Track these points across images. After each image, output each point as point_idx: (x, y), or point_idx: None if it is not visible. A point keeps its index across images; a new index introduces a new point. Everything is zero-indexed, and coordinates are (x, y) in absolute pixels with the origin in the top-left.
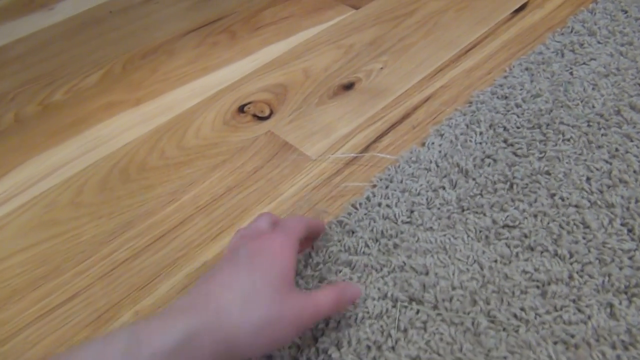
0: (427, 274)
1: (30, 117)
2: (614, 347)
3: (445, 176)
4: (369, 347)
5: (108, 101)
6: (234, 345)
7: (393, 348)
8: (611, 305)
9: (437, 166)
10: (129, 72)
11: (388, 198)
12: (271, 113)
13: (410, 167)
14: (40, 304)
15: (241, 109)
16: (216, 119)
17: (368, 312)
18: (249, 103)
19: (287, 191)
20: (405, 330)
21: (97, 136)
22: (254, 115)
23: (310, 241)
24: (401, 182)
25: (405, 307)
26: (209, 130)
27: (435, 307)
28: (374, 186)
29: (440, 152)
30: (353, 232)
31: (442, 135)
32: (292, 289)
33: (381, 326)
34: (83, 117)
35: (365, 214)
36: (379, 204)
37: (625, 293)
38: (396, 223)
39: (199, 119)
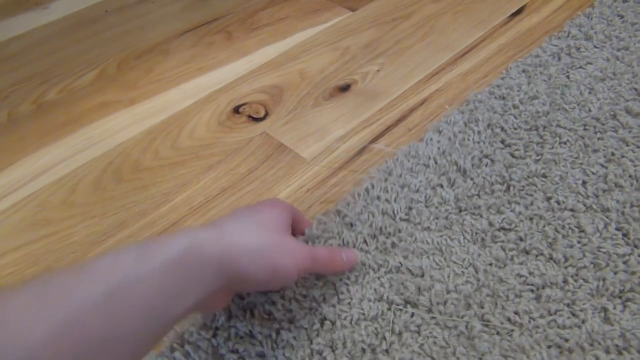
0: (422, 276)
1: (23, 116)
2: (607, 351)
3: (443, 174)
4: (363, 350)
5: (102, 101)
6: (238, 262)
7: (387, 351)
8: (605, 310)
9: (436, 163)
10: (124, 72)
11: (387, 192)
12: (266, 114)
13: (409, 161)
14: None
15: (236, 110)
16: (211, 120)
17: (364, 314)
18: (244, 104)
19: (281, 193)
20: (400, 334)
21: (90, 136)
22: (249, 116)
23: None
24: (400, 176)
25: (400, 310)
26: (203, 130)
27: (429, 311)
28: (372, 178)
29: (439, 148)
30: (352, 225)
31: (440, 132)
32: (289, 234)
33: (376, 328)
34: (77, 116)
35: (364, 207)
36: (378, 198)
37: (620, 297)
38: (394, 220)
39: (193, 119)
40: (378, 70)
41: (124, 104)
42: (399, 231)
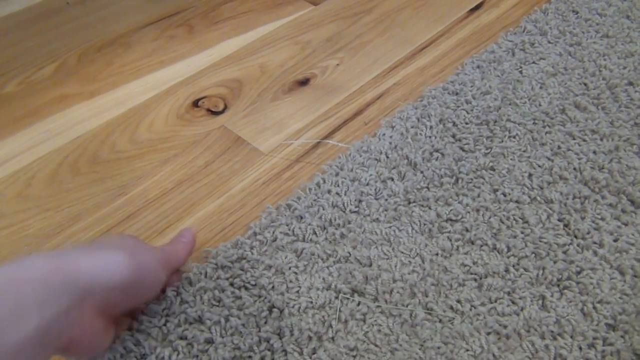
0: (370, 265)
1: None
2: (543, 337)
3: (394, 167)
4: (310, 337)
5: (61, 94)
6: (89, 268)
7: (333, 339)
8: (543, 298)
9: (387, 157)
10: (84, 65)
11: (338, 186)
12: (225, 108)
13: (360, 156)
14: None
15: (195, 103)
16: (170, 113)
17: (312, 302)
18: (204, 97)
19: (236, 186)
20: (346, 322)
21: (48, 129)
22: (208, 110)
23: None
24: (351, 170)
25: (347, 298)
26: (162, 124)
27: (375, 299)
28: (324, 172)
29: (390, 143)
30: (301, 218)
31: (393, 127)
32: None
33: (323, 317)
34: (35, 109)
35: (314, 200)
36: (329, 191)
37: (558, 286)
38: (344, 212)
39: (152, 112)
40: (338, 65)
41: (84, 97)
42: (349, 222)
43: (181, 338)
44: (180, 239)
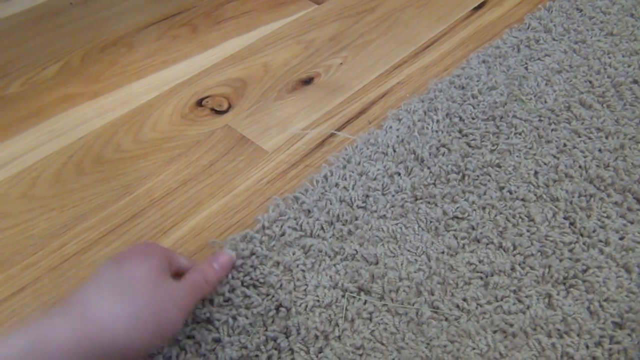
0: (377, 264)
1: None
2: (549, 335)
3: (401, 162)
4: (316, 336)
5: (65, 94)
6: (110, 339)
7: (339, 337)
8: (549, 296)
9: (394, 151)
10: (88, 65)
11: (345, 179)
12: (229, 107)
13: (368, 149)
14: None
15: (199, 103)
16: (174, 113)
17: (318, 301)
18: (208, 97)
19: (241, 185)
20: (352, 320)
21: (52, 129)
22: (212, 109)
23: None
24: (359, 163)
25: (354, 297)
26: (166, 123)
27: (381, 298)
28: (331, 164)
29: (397, 137)
30: (309, 212)
31: (400, 120)
32: (166, 279)
33: (329, 315)
34: (39, 109)
35: (322, 194)
36: (336, 185)
37: (564, 284)
38: (352, 207)
39: (156, 112)
40: (341, 64)
41: (87, 97)
42: (356, 219)
43: (189, 337)
44: (213, 263)
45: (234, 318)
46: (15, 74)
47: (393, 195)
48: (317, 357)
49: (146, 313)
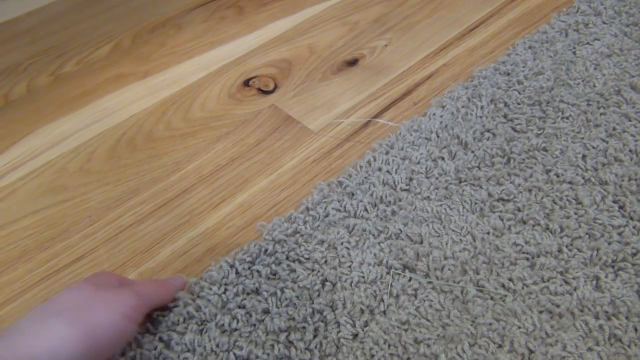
0: (421, 242)
1: (42, 87)
2: (597, 317)
3: (445, 147)
4: (362, 310)
5: (117, 73)
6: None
7: (384, 312)
8: (597, 278)
9: (438, 137)
10: (138, 46)
11: (388, 164)
12: (275, 87)
13: (411, 135)
14: (48, 264)
15: (246, 83)
16: (221, 92)
17: (363, 277)
18: (254, 77)
19: (287, 163)
20: (397, 296)
21: (105, 107)
22: (259, 89)
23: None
24: (402, 149)
25: (399, 274)
26: (214, 103)
27: (426, 276)
28: (375, 151)
29: (441, 122)
30: (353, 195)
31: (443, 107)
32: (105, 290)
33: (374, 291)
34: (92, 88)
35: (365, 178)
36: (380, 169)
37: (612, 267)
38: (395, 190)
39: (204, 92)
40: (386, 45)
41: (138, 77)
42: (399, 200)
43: (240, 307)
44: (170, 279)
45: (282, 290)
46: (69, 53)
47: (437, 178)
48: (363, 330)
49: (67, 324)
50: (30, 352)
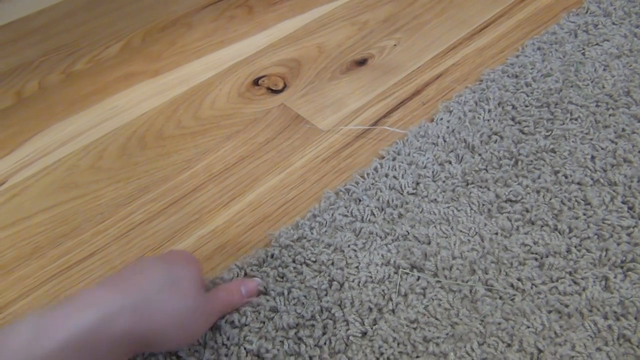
0: (429, 243)
1: (53, 85)
2: (606, 317)
3: (451, 151)
4: (370, 309)
5: (127, 72)
6: (156, 332)
7: (393, 311)
8: (606, 279)
9: (445, 141)
10: (148, 44)
11: (395, 170)
12: (285, 86)
13: (418, 141)
14: (60, 260)
15: (256, 82)
16: (231, 91)
17: (371, 277)
18: (264, 76)
19: (296, 162)
20: (406, 295)
21: (116, 105)
22: (268, 88)
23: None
24: (408, 154)
25: (407, 273)
26: (224, 101)
27: (435, 275)
28: (382, 158)
29: (448, 127)
30: (359, 201)
31: (450, 112)
32: (202, 289)
33: (383, 290)
34: (103, 86)
35: (372, 184)
36: (386, 175)
37: (621, 267)
38: (402, 194)
39: (214, 90)
40: (395, 45)
41: (148, 75)
42: (406, 203)
43: (247, 305)
44: (241, 287)
45: (289, 290)
46: (81, 52)
47: (444, 181)
48: (371, 328)
49: (189, 317)
50: (161, 337)
